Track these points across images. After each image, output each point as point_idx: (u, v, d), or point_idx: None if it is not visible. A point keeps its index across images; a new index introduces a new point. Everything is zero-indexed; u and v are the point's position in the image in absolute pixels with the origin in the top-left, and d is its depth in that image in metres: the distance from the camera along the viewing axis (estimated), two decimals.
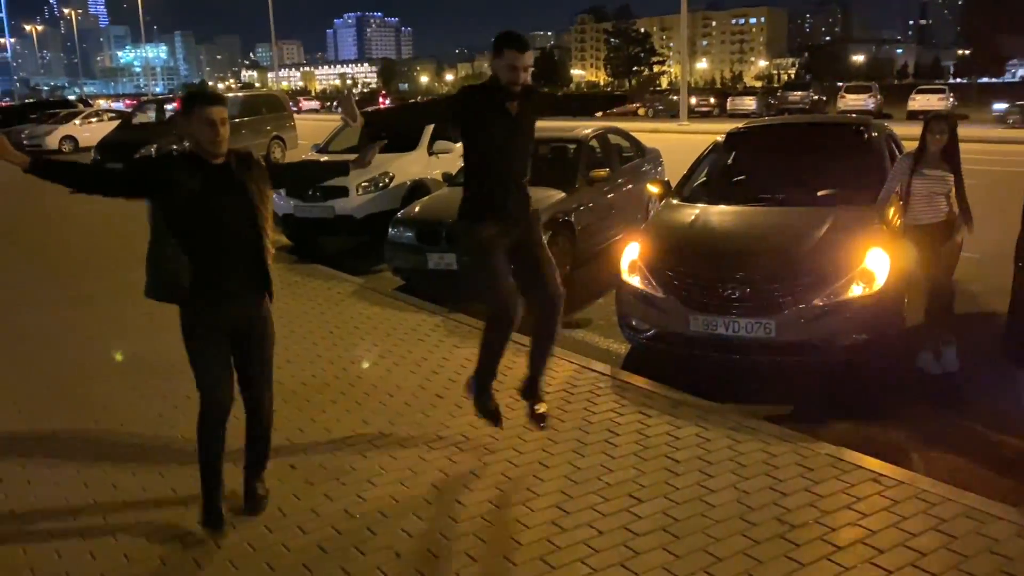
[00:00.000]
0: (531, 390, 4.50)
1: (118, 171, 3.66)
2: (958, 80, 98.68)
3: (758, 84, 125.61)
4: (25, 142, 29.86)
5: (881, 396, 5.32)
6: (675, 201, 6.76)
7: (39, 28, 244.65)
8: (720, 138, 7.65)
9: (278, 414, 4.74)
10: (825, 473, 4.00)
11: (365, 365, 5.84)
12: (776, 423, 4.66)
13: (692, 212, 6.39)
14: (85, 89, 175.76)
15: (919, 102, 36.86)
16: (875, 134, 7.08)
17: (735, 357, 5.46)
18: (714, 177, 7.32)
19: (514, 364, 5.21)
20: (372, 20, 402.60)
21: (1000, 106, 33.63)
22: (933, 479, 3.92)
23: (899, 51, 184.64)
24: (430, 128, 11.41)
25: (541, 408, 4.48)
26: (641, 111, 48.00)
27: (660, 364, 5.74)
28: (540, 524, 3.64)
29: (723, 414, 4.75)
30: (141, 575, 3.40)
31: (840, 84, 50.27)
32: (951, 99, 39.09)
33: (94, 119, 31.11)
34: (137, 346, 6.47)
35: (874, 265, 5.34)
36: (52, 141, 29.73)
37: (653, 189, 7.24)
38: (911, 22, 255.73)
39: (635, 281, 5.81)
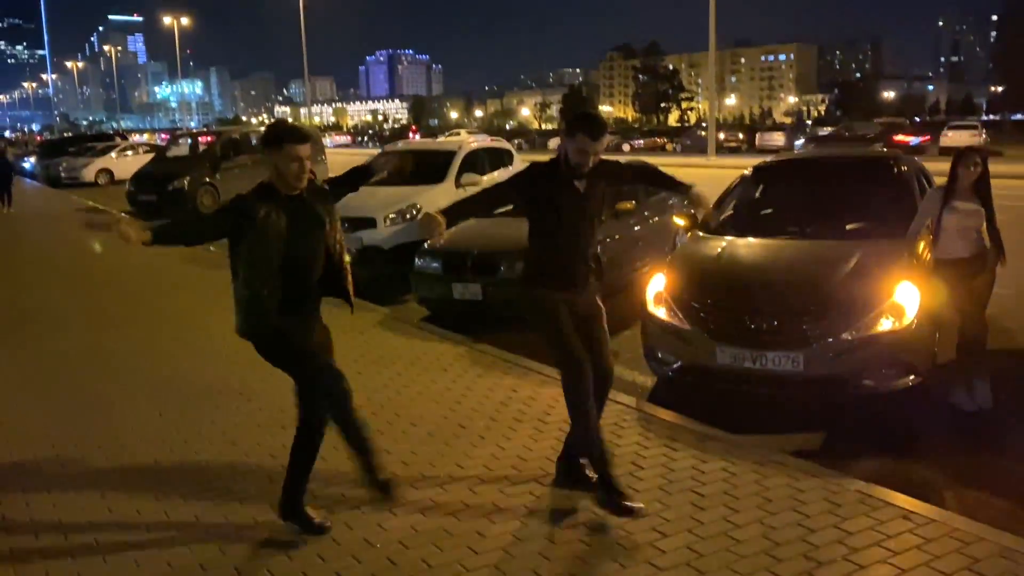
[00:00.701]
0: (605, 484, 3.96)
1: (213, 222, 3.74)
2: (991, 117, 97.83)
3: (787, 120, 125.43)
4: (63, 174, 30.60)
5: (913, 432, 5.21)
6: (701, 233, 6.73)
7: (80, 65, 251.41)
8: (747, 171, 7.63)
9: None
10: (854, 509, 3.90)
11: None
12: (804, 458, 4.57)
13: (719, 244, 6.35)
14: (122, 123, 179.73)
15: (951, 138, 36.52)
16: (905, 168, 7.02)
17: (762, 391, 5.39)
18: (741, 210, 7.28)
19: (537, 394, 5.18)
20: (403, 57, 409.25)
21: (799, 142, 39.64)
22: (966, 517, 3.81)
23: (930, 88, 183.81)
24: (458, 161, 11.54)
25: (635, 503, 3.93)
26: (669, 147, 48.28)
27: (686, 397, 5.68)
28: (562, 557, 3.58)
29: (750, 448, 4.67)
30: None
31: (875, 120, 50.28)
32: (984, 135, 38.76)
33: (130, 152, 31.79)
34: (165, 371, 6.52)
35: (904, 299, 5.27)
36: (89, 174, 30.40)
37: (679, 221, 7.20)
38: (942, 59, 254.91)
39: (661, 313, 5.77)
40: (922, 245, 5.77)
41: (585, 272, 4.15)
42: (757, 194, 7.56)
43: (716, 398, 5.65)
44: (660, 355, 5.80)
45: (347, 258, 3.93)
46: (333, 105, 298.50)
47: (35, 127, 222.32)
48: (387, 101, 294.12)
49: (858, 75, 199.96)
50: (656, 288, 5.91)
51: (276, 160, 3.57)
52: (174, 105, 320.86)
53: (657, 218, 9.72)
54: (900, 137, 36.82)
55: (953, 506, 4.06)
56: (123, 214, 4.08)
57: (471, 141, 12.80)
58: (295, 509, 3.84)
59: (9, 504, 4.30)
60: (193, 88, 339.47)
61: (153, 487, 4.43)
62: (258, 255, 3.56)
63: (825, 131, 44.32)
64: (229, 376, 6.18)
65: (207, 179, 19.49)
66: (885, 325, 5.20)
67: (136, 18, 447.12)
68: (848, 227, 6.38)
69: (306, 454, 3.82)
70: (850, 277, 5.46)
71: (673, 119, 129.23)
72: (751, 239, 6.44)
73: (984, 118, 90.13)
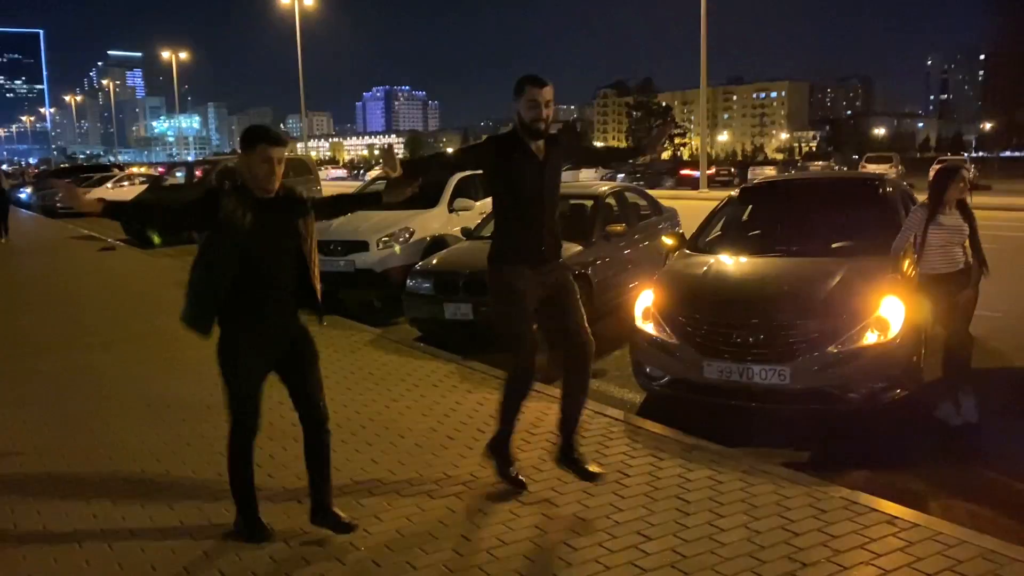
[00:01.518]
0: (568, 453, 4.31)
1: (177, 210, 3.70)
2: (980, 154, 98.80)
3: (779, 156, 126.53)
4: (59, 205, 30.65)
5: (900, 446, 5.23)
6: (688, 251, 6.79)
7: (78, 99, 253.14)
8: (735, 192, 7.72)
9: (287, 453, 4.78)
10: (839, 515, 3.92)
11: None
12: (791, 469, 4.58)
13: (706, 261, 6.41)
14: (120, 157, 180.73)
15: None
16: (890, 188, 7.11)
17: (750, 404, 5.41)
18: (728, 230, 7.36)
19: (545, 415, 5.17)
20: (400, 93, 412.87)
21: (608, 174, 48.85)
22: (950, 522, 3.83)
23: (920, 125, 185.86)
24: (451, 186, 11.62)
25: (594, 467, 4.30)
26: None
27: (675, 413, 5.69)
28: (546, 559, 3.59)
29: (737, 459, 4.69)
30: None
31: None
32: (972, 170, 39.24)
33: (126, 183, 31.91)
34: (154, 388, 6.51)
35: (889, 313, 5.32)
36: None
37: (668, 241, 7.28)
38: (932, 97, 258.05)
39: (649, 328, 5.80)
40: (906, 261, 5.83)
41: (552, 244, 4.19)
42: (744, 214, 7.65)
43: (704, 413, 5.65)
44: (648, 370, 5.82)
45: (317, 266, 3.81)
46: (330, 140, 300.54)
47: (32, 160, 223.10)
48: (383, 136, 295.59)
49: (849, 112, 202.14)
50: (644, 304, 5.95)
51: (249, 161, 3.53)
52: (171, 139, 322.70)
53: (647, 242, 9.79)
54: (686, 171, 47.16)
55: (937, 513, 4.06)
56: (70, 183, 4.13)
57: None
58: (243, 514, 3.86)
59: None
60: (191, 123, 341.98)
61: (138, 494, 4.43)
62: (217, 252, 3.53)
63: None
64: (218, 393, 6.15)
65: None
66: (870, 339, 5.25)
67: (135, 54, 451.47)
68: (834, 245, 6.44)
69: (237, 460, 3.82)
70: (835, 291, 5.52)
71: (666, 155, 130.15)
72: (738, 257, 6.51)
73: (974, 154, 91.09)
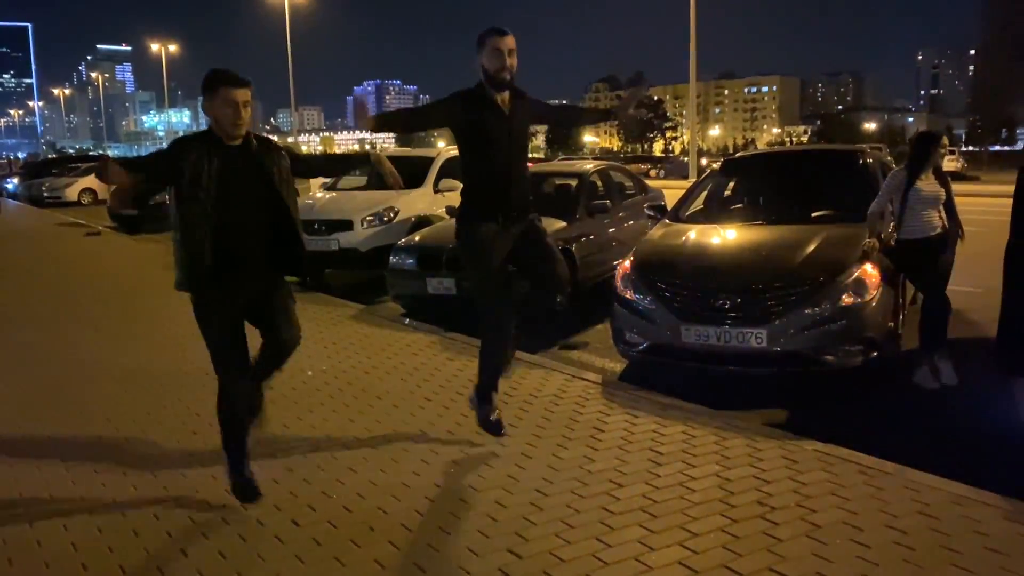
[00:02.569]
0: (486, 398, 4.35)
1: (153, 163, 3.58)
2: (969, 148, 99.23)
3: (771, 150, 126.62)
4: (46, 194, 30.52)
5: (876, 408, 5.25)
6: (668, 222, 6.81)
7: (67, 92, 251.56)
8: (716, 165, 7.73)
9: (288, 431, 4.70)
10: (810, 465, 3.94)
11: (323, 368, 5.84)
12: (766, 426, 4.61)
13: (686, 230, 6.43)
14: (109, 152, 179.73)
15: None
16: (869, 160, 7.13)
17: (728, 368, 5.42)
18: (709, 201, 7.37)
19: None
20: (391, 87, 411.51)
21: None
22: (920, 470, 3.85)
23: (910, 120, 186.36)
24: (437, 166, 11.59)
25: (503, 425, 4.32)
26: (652, 172, 49.07)
27: (655, 380, 5.69)
28: (517, 504, 3.60)
29: (712, 416, 4.71)
30: (124, 564, 3.29)
31: None
32: (962, 161, 39.50)
33: None
34: (131, 359, 6.49)
35: (864, 276, 5.34)
36: (72, 193, 30.32)
37: (649, 212, 7.28)
38: (922, 92, 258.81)
39: (629, 295, 5.81)
40: (883, 225, 5.85)
41: (519, 198, 4.13)
42: (725, 186, 7.66)
43: (684, 380, 5.67)
44: (628, 336, 5.83)
45: (298, 219, 3.65)
46: (321, 134, 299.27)
47: (21, 155, 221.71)
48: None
49: (840, 107, 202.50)
50: (624, 271, 5.96)
51: (213, 107, 3.42)
52: (161, 134, 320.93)
53: (632, 220, 9.80)
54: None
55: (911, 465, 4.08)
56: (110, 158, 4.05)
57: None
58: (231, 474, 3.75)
59: None
60: (181, 117, 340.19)
61: (114, 454, 4.42)
62: (191, 207, 3.38)
63: None
64: (197, 361, 6.14)
65: None
66: (846, 301, 5.26)
67: (124, 47, 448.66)
68: (813, 214, 6.45)
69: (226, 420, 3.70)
70: (812, 256, 5.53)
71: (658, 149, 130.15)
72: (717, 225, 6.52)
73: (963, 149, 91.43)
